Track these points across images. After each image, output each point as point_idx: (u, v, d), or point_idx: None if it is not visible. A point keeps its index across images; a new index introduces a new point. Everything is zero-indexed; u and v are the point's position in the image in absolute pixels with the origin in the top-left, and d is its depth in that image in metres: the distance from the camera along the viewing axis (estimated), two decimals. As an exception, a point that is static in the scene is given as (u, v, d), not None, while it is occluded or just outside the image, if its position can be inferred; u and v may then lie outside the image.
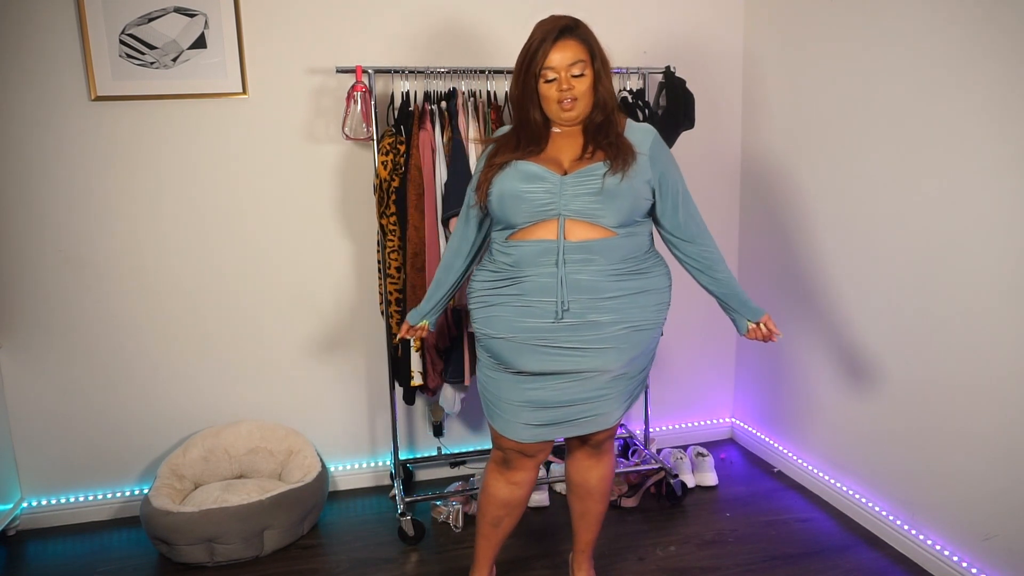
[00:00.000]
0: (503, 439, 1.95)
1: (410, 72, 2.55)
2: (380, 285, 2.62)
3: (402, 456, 2.93)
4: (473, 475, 2.90)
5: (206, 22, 2.54)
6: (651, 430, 3.13)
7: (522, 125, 1.88)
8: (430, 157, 2.48)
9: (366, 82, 2.49)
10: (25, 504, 2.68)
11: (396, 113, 2.61)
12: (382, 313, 2.65)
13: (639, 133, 1.89)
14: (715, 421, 3.36)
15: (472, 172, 2.44)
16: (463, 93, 2.57)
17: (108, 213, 2.60)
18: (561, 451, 2.82)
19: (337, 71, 2.50)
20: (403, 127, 2.52)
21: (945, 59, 2.11)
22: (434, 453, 2.99)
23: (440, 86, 2.57)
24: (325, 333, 2.85)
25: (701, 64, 3.00)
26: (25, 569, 2.45)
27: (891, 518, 2.44)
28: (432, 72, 2.55)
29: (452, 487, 2.78)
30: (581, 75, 1.80)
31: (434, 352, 2.58)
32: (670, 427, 3.29)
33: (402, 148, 2.49)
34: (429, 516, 2.68)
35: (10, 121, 2.47)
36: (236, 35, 2.57)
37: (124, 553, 2.52)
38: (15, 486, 2.64)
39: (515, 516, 2.06)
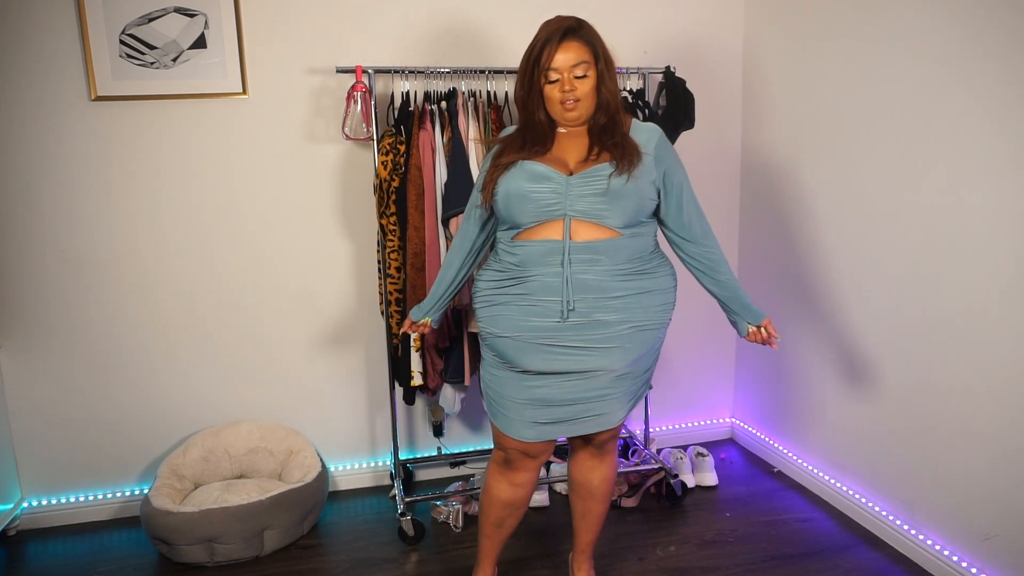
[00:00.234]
0: (505, 439, 1.96)
1: (410, 72, 2.55)
2: (380, 285, 2.62)
3: (402, 456, 2.93)
4: (473, 475, 2.90)
5: (206, 22, 2.54)
6: (651, 430, 3.13)
7: (527, 125, 1.88)
8: (430, 157, 2.48)
9: (366, 82, 2.49)
10: (25, 504, 2.68)
11: (396, 113, 2.61)
12: (382, 313, 2.65)
13: (644, 133, 1.89)
14: (715, 421, 3.36)
15: (472, 172, 2.44)
16: (463, 93, 2.57)
17: (108, 213, 2.60)
18: (562, 451, 2.82)
19: (337, 71, 2.50)
20: (403, 127, 2.52)
21: (945, 58, 2.11)
22: (434, 453, 2.99)
23: (440, 86, 2.58)
24: (325, 333, 2.85)
25: (701, 64, 3.00)
26: (25, 569, 2.45)
27: (891, 518, 2.44)
28: (432, 72, 2.55)
29: (452, 487, 2.78)
30: (584, 76, 1.80)
31: (434, 352, 2.58)
32: (670, 427, 3.29)
33: (402, 148, 2.49)
34: (429, 516, 2.68)
35: (10, 121, 2.47)
36: (236, 35, 2.57)
37: (124, 553, 2.52)
38: (15, 486, 2.64)
39: (517, 516, 2.07)
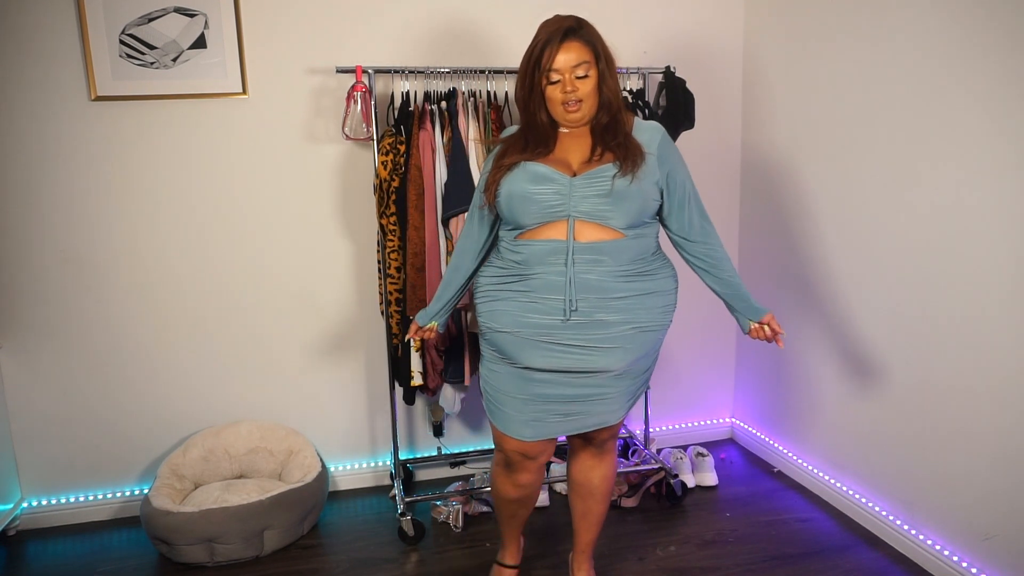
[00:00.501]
0: (505, 439, 1.96)
1: (410, 72, 2.55)
2: (380, 285, 2.62)
3: (402, 456, 2.93)
4: (473, 475, 2.90)
5: (206, 22, 2.54)
6: (651, 430, 3.13)
7: (529, 126, 1.88)
8: (430, 157, 2.48)
9: (366, 82, 2.49)
10: (25, 504, 2.68)
11: (396, 113, 2.61)
12: (382, 313, 2.65)
13: (647, 132, 1.88)
14: (715, 421, 3.36)
15: (472, 172, 2.44)
16: (463, 93, 2.57)
17: (108, 213, 2.60)
18: (562, 452, 2.82)
19: (337, 71, 2.50)
20: (403, 127, 2.52)
21: (946, 58, 2.11)
22: (434, 453, 2.99)
23: (440, 86, 2.57)
24: (325, 333, 2.85)
25: (701, 64, 3.00)
26: (25, 569, 2.45)
27: (891, 518, 2.44)
28: (432, 72, 2.55)
29: (452, 487, 2.78)
30: (585, 76, 1.80)
31: (434, 352, 2.58)
32: (670, 427, 3.29)
33: (402, 148, 2.49)
34: (429, 516, 2.68)
35: (10, 121, 2.47)
36: (236, 35, 2.57)
37: (124, 553, 2.52)
38: (15, 486, 2.64)
39: (529, 506, 2.13)
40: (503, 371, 1.93)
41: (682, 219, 1.91)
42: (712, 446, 3.24)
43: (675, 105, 2.69)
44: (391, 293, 2.56)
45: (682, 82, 2.71)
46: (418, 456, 3.00)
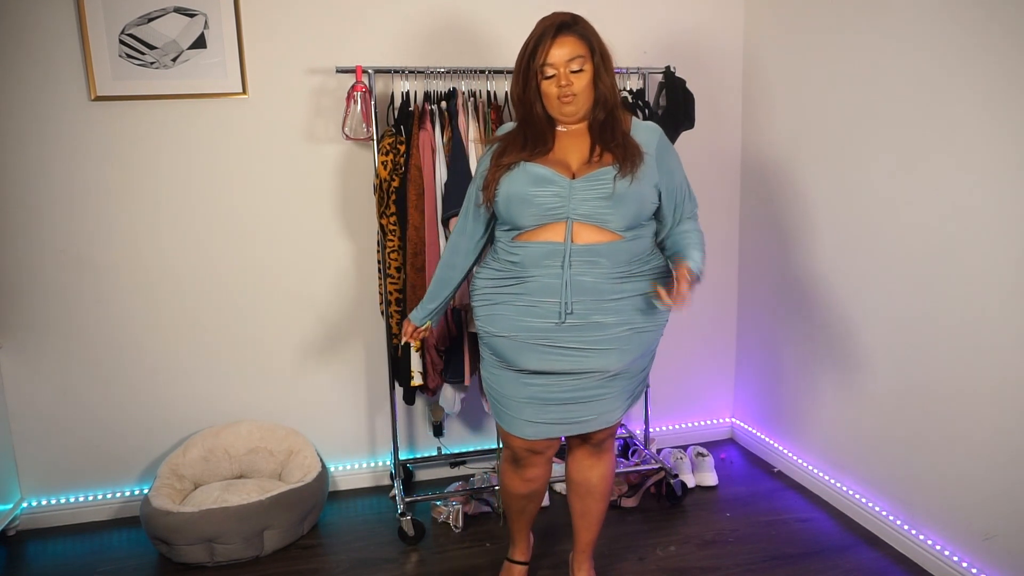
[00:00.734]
0: (510, 437, 1.98)
1: (410, 72, 2.54)
2: (380, 285, 2.62)
3: (402, 456, 2.93)
4: (473, 475, 2.90)
5: (206, 22, 2.54)
6: (651, 430, 3.13)
7: (526, 122, 1.88)
8: (430, 157, 2.48)
9: (366, 82, 2.49)
10: (25, 504, 2.68)
11: (396, 113, 2.61)
12: (382, 313, 2.65)
13: (644, 132, 1.88)
14: (715, 421, 3.36)
15: (472, 172, 2.44)
16: (463, 93, 2.57)
17: (108, 213, 2.60)
18: (562, 452, 2.82)
19: (337, 71, 2.50)
20: (403, 127, 2.52)
21: (947, 58, 2.11)
22: (434, 453, 2.99)
23: (440, 86, 2.57)
24: (325, 333, 2.85)
25: (701, 64, 3.00)
26: (25, 569, 2.45)
27: (891, 518, 2.44)
28: (432, 72, 2.55)
29: (452, 487, 2.78)
30: (580, 71, 1.80)
31: (434, 352, 2.58)
32: (670, 427, 3.29)
33: (402, 148, 2.49)
34: (429, 516, 2.68)
35: (10, 121, 2.47)
36: (236, 35, 2.57)
37: (124, 553, 2.52)
38: (15, 486, 2.64)
39: (537, 502, 2.15)
40: (502, 374, 1.94)
41: (672, 219, 1.93)
42: (712, 446, 3.24)
43: (675, 105, 2.69)
44: (391, 293, 2.56)
45: (682, 82, 2.71)
46: (418, 456, 3.00)
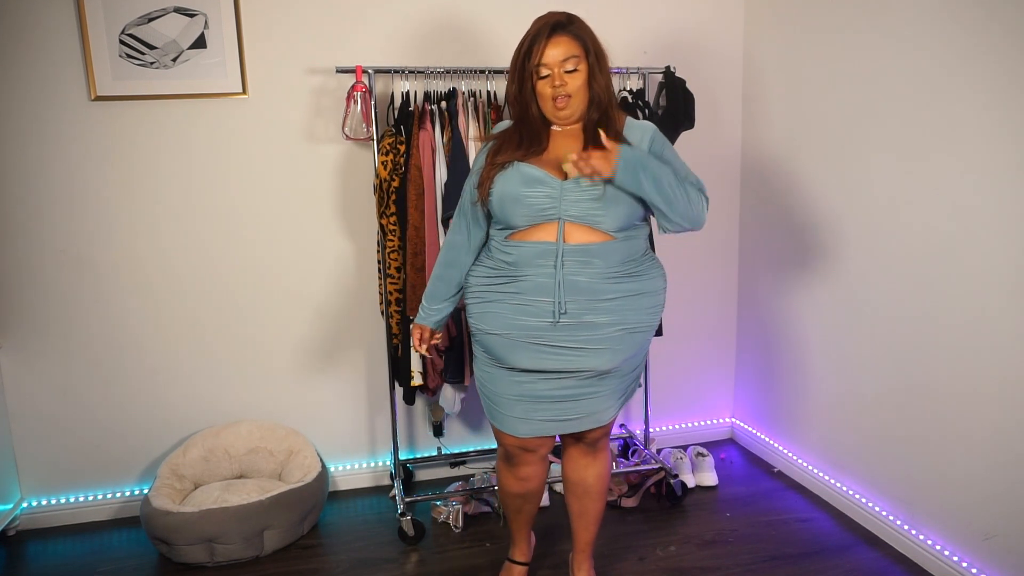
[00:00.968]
0: (503, 435, 1.99)
1: (410, 72, 2.54)
2: (380, 285, 2.62)
3: (402, 456, 2.93)
4: (473, 475, 2.90)
5: (206, 22, 2.54)
6: (651, 430, 3.13)
7: (522, 121, 1.89)
8: (430, 157, 2.48)
9: (366, 82, 2.49)
10: (25, 504, 2.68)
11: (396, 113, 2.61)
12: (382, 313, 2.65)
13: (638, 131, 1.89)
14: (715, 421, 3.36)
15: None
16: (463, 93, 2.57)
17: (108, 213, 2.60)
18: (559, 451, 2.82)
19: (337, 71, 2.50)
20: (403, 127, 2.52)
21: (947, 58, 2.11)
22: (434, 453, 2.99)
23: (440, 86, 2.57)
24: (325, 333, 2.85)
25: (701, 64, 3.00)
26: (25, 569, 2.45)
27: (891, 518, 2.44)
28: (432, 72, 2.55)
29: (452, 487, 2.78)
30: (574, 71, 1.81)
31: (434, 352, 2.58)
32: (670, 427, 3.29)
33: (402, 148, 2.49)
34: (429, 516, 2.68)
35: (10, 121, 2.47)
36: (236, 35, 2.57)
37: (124, 553, 2.52)
38: (15, 486, 2.64)
39: (534, 502, 2.15)
40: (495, 372, 1.95)
41: None
42: (712, 446, 3.24)
43: (675, 105, 2.69)
44: (391, 293, 2.56)
45: (682, 82, 2.71)
46: (418, 456, 3.00)
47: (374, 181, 2.52)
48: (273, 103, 2.66)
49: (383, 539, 2.56)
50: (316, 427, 2.88)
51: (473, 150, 2.50)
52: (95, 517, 2.73)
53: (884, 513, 2.47)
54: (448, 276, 2.02)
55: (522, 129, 1.88)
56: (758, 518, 2.65)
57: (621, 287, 1.85)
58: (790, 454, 2.96)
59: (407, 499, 2.61)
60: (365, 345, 2.88)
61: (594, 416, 1.93)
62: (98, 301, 2.63)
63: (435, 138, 2.48)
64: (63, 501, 2.71)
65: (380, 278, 2.61)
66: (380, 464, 2.99)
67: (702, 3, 2.99)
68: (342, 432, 2.93)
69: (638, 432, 3.12)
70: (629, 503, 2.74)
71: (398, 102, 2.64)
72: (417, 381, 2.59)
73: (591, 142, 1.84)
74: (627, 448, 3.10)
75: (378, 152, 2.49)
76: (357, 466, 2.97)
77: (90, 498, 2.73)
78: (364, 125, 2.51)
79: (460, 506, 2.61)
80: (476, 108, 2.56)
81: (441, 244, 2.49)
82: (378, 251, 2.61)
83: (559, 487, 2.85)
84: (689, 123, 2.72)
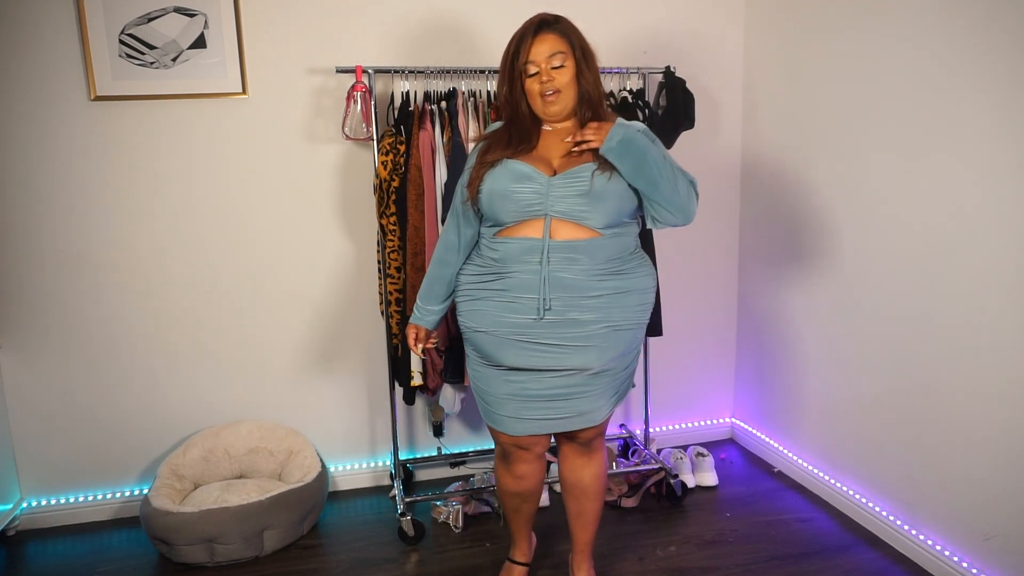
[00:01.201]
0: (497, 433, 2.01)
1: (410, 72, 2.54)
2: (380, 285, 2.62)
3: (402, 456, 2.93)
4: (473, 475, 2.90)
5: (206, 22, 2.54)
6: (651, 430, 3.13)
7: (512, 121, 1.92)
8: (430, 157, 2.48)
9: (366, 82, 2.49)
10: (25, 504, 2.68)
11: (396, 113, 2.61)
12: (382, 313, 2.65)
13: None
14: (715, 421, 3.36)
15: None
16: (463, 93, 2.57)
17: (108, 213, 2.60)
18: (555, 451, 2.82)
19: (337, 71, 2.50)
20: (403, 127, 2.52)
21: (947, 58, 2.11)
22: (434, 453, 2.99)
23: (440, 86, 2.57)
24: (325, 333, 2.85)
25: (701, 64, 3.00)
26: (25, 569, 2.45)
27: (891, 518, 2.44)
28: (432, 72, 2.54)
29: (452, 487, 2.78)
30: (561, 67, 1.84)
31: (434, 352, 2.58)
32: (670, 427, 3.29)
33: (402, 148, 2.49)
34: (429, 516, 2.68)
35: (10, 121, 2.47)
36: (236, 35, 2.57)
37: (124, 553, 2.52)
38: (15, 486, 2.64)
39: (532, 502, 2.15)
40: (484, 371, 1.96)
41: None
42: (712, 446, 3.24)
43: (675, 105, 2.69)
44: (391, 293, 2.56)
45: (682, 82, 2.71)
46: (418, 456, 3.00)
47: (374, 181, 2.52)
48: (273, 103, 2.66)
49: (383, 539, 2.56)
50: (316, 427, 2.88)
51: (473, 150, 2.50)
52: (95, 517, 2.73)
53: (884, 513, 2.47)
54: (440, 275, 2.03)
55: (512, 129, 1.91)
56: (758, 518, 2.65)
57: (607, 284, 1.86)
58: (790, 454, 2.96)
59: (407, 499, 2.61)
60: (365, 345, 2.88)
61: (586, 416, 1.93)
62: (98, 301, 2.63)
63: (435, 138, 2.48)
64: (63, 501, 2.71)
65: (380, 278, 2.61)
66: (380, 464, 2.99)
67: (702, 3, 2.99)
68: (342, 432, 2.93)
69: (638, 432, 3.12)
70: (629, 503, 2.74)
71: (398, 102, 2.64)
72: (417, 381, 2.59)
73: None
74: (627, 448, 3.10)
75: (378, 152, 2.49)
76: (357, 466, 2.97)
77: (90, 498, 2.73)
78: (364, 125, 2.51)
79: (460, 506, 2.61)
80: (476, 108, 2.56)
81: (441, 244, 2.51)
82: (378, 251, 2.60)
83: (559, 487, 2.85)
84: (689, 123, 2.72)
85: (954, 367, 2.16)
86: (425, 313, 2.07)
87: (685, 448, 3.11)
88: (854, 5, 2.43)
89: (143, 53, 2.51)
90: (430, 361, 2.59)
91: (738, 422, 3.33)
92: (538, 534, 2.49)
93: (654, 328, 2.73)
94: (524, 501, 2.13)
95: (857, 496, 2.59)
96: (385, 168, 2.47)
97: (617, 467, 2.88)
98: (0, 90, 2.45)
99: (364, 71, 2.49)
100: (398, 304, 2.56)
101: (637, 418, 3.16)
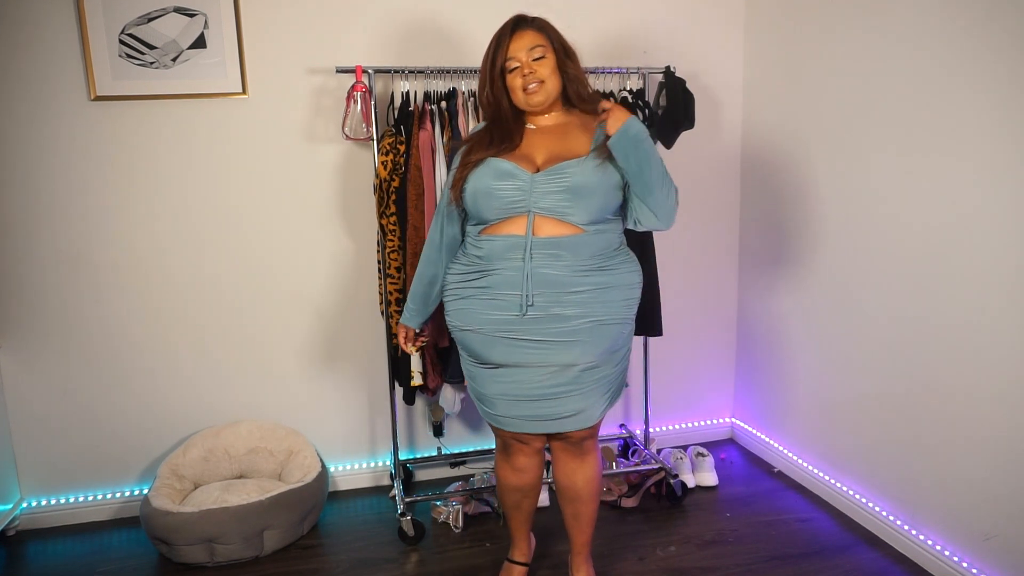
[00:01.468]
0: (496, 427, 2.03)
1: (410, 72, 2.54)
2: (380, 285, 2.62)
3: (402, 456, 2.93)
4: (473, 475, 2.90)
5: (206, 22, 2.54)
6: (651, 430, 3.13)
7: (494, 121, 1.94)
8: (430, 157, 2.48)
9: (366, 82, 2.49)
10: (25, 504, 2.68)
11: (396, 113, 2.61)
12: (382, 313, 2.65)
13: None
14: (715, 421, 3.36)
15: None
16: (463, 93, 2.57)
17: (108, 213, 2.60)
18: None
19: (337, 71, 2.50)
20: (403, 127, 2.52)
21: (947, 58, 2.11)
22: (434, 453, 2.99)
23: (440, 86, 2.57)
24: (325, 333, 2.85)
25: (701, 64, 3.00)
26: (25, 569, 2.45)
27: (891, 518, 2.44)
28: (432, 72, 2.54)
29: (452, 487, 2.78)
30: (542, 58, 1.87)
31: (434, 352, 2.58)
32: (670, 427, 3.29)
33: (402, 148, 2.49)
34: (429, 516, 2.68)
35: (10, 121, 2.47)
36: (236, 35, 2.57)
37: (124, 553, 2.52)
38: (15, 486, 2.64)
39: (532, 497, 2.15)
40: (474, 370, 1.99)
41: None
42: (712, 446, 3.24)
43: (675, 105, 2.69)
44: (391, 293, 2.56)
45: (682, 82, 2.71)
46: (418, 456, 3.00)
47: (374, 181, 2.52)
48: (273, 103, 2.66)
49: (383, 539, 2.56)
50: (316, 427, 2.88)
51: (473, 150, 2.51)
52: (95, 517, 2.73)
53: (884, 513, 2.47)
54: (424, 272, 2.07)
55: (494, 129, 1.93)
56: (758, 518, 2.65)
57: (590, 280, 1.87)
58: (790, 454, 2.96)
59: (407, 499, 2.61)
60: (365, 345, 2.88)
61: (579, 416, 1.93)
62: (98, 301, 2.63)
63: (435, 138, 2.48)
64: (63, 501, 2.71)
65: (380, 278, 2.61)
66: (380, 464, 2.99)
67: (702, 3, 2.99)
68: (342, 432, 2.93)
69: (638, 432, 3.12)
70: (629, 503, 2.74)
71: (398, 102, 2.64)
72: (417, 381, 2.59)
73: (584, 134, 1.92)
74: (627, 448, 3.10)
75: (378, 152, 2.49)
76: (357, 466, 2.97)
77: (90, 498, 2.73)
78: (364, 125, 2.51)
79: (460, 506, 2.61)
80: (476, 108, 2.56)
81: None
82: (378, 251, 2.60)
83: (559, 487, 2.85)
84: (689, 123, 2.72)
85: (954, 367, 2.16)
86: (412, 313, 2.11)
87: (685, 448, 3.11)
88: (854, 5, 2.43)
89: (143, 53, 2.51)
90: (430, 361, 2.59)
91: (738, 422, 3.33)
92: (537, 534, 2.49)
93: (654, 328, 2.73)
94: (524, 496, 2.14)
95: (857, 496, 2.59)
96: (385, 168, 2.47)
97: (617, 467, 2.88)
98: (0, 90, 2.45)
99: (364, 71, 2.49)
100: (398, 304, 2.56)
101: (637, 418, 3.16)
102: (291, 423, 2.85)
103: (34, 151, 2.51)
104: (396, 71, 2.53)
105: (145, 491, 2.67)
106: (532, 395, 1.91)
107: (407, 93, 2.56)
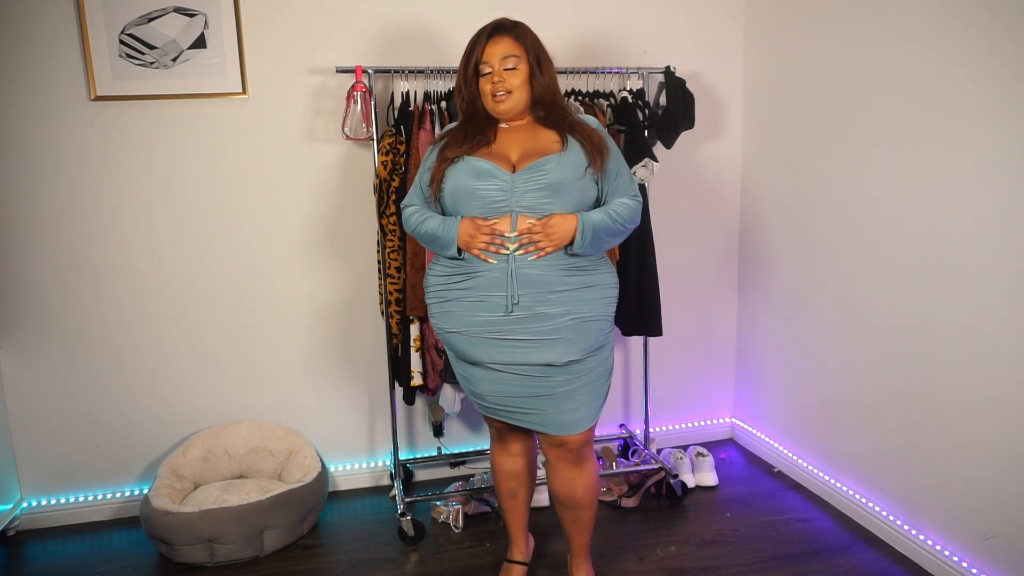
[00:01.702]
0: (489, 418, 2.06)
1: (410, 72, 2.55)
2: (380, 285, 2.62)
3: (402, 456, 2.93)
4: (473, 475, 2.90)
5: (206, 22, 2.54)
6: (651, 430, 3.13)
7: (468, 118, 1.97)
8: (430, 157, 2.47)
9: (366, 82, 2.49)
10: (25, 504, 2.68)
11: (396, 113, 2.61)
12: (382, 313, 2.65)
13: (592, 123, 1.98)
14: (715, 421, 3.36)
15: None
16: (463, 93, 2.56)
17: (108, 213, 2.60)
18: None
19: (337, 71, 2.50)
20: (403, 127, 2.52)
21: (947, 59, 2.11)
22: (434, 453, 2.99)
23: (440, 86, 2.57)
24: (325, 333, 2.85)
25: (701, 64, 3.00)
26: (25, 569, 2.45)
27: (891, 518, 2.44)
28: (432, 72, 2.55)
29: (452, 487, 2.78)
30: (514, 69, 1.89)
31: (434, 352, 2.58)
32: (670, 427, 3.29)
33: (402, 148, 2.49)
34: (429, 516, 2.68)
35: (10, 121, 2.47)
36: (236, 35, 2.57)
37: (124, 553, 2.52)
38: (15, 486, 2.64)
39: (527, 485, 2.17)
40: (463, 370, 2.01)
41: (608, 197, 1.97)
42: (712, 446, 3.24)
43: (675, 105, 2.69)
44: (391, 293, 2.56)
45: (682, 82, 2.71)
46: (418, 456, 3.00)
47: (374, 181, 2.52)
48: (273, 103, 2.66)
49: (383, 539, 2.56)
50: (316, 427, 2.88)
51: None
52: (95, 517, 2.73)
53: (884, 513, 2.47)
54: (423, 212, 2.00)
55: (468, 126, 1.95)
56: (758, 518, 2.65)
57: (572, 279, 1.90)
58: (790, 454, 2.96)
59: (407, 499, 2.61)
60: (365, 345, 2.88)
61: (567, 417, 1.93)
62: (98, 301, 2.63)
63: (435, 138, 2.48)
64: (63, 501, 2.71)
65: (380, 278, 2.61)
66: (380, 464, 2.99)
67: (702, 3, 2.99)
68: (342, 432, 2.93)
69: (638, 432, 3.12)
70: (629, 503, 2.74)
71: (398, 102, 2.64)
72: (417, 381, 2.59)
73: (554, 130, 1.93)
74: (627, 448, 3.10)
75: (378, 152, 2.49)
76: (357, 466, 2.97)
77: (90, 498, 2.73)
78: (364, 125, 2.51)
79: (460, 506, 2.61)
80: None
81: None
82: (378, 251, 2.61)
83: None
84: (689, 123, 2.72)
85: (954, 367, 2.16)
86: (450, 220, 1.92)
87: (685, 448, 3.11)
88: (854, 5, 2.43)
89: (143, 53, 2.51)
90: (430, 361, 2.59)
91: (738, 422, 3.33)
92: (536, 534, 2.49)
93: (654, 328, 2.73)
94: (520, 483, 2.15)
95: (857, 496, 2.59)
96: (385, 168, 2.47)
97: (617, 467, 2.88)
98: (0, 90, 2.45)
99: (364, 71, 2.49)
100: (398, 304, 2.56)
101: (637, 418, 3.16)
102: (291, 423, 2.85)
103: (34, 151, 2.51)
104: (396, 71, 2.53)
105: (145, 491, 2.67)
106: (519, 394, 1.93)
107: (407, 93, 2.56)
